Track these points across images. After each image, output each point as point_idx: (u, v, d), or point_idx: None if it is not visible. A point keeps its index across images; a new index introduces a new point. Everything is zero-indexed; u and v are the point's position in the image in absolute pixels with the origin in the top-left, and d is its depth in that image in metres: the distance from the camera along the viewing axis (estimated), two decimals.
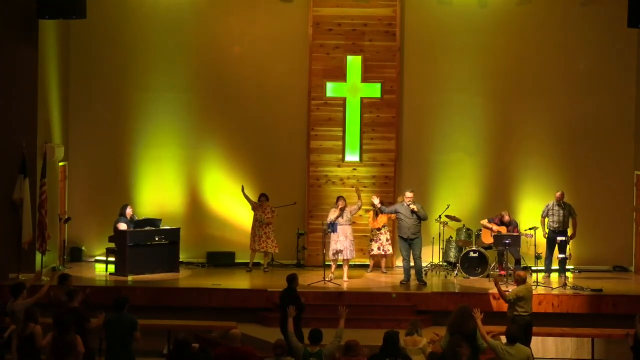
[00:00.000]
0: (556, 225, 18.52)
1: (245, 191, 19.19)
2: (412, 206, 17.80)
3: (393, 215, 18.80)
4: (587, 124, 19.97)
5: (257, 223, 19.04)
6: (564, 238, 18.40)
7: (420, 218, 17.94)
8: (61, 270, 18.52)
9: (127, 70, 20.04)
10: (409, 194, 17.97)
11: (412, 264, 18.05)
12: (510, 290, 17.21)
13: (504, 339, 12.10)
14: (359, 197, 18.36)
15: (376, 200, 18.39)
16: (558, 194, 18.68)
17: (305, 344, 11.57)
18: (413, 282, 18.01)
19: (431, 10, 19.99)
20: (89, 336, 12.52)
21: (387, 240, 19.06)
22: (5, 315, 13.17)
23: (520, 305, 14.19)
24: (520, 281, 14.33)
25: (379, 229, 19.04)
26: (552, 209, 18.60)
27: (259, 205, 19.08)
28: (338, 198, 18.29)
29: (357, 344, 11.15)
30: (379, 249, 19.04)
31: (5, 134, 17.84)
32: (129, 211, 18.61)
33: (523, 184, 19.98)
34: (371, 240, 19.10)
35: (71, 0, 17.59)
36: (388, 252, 19.13)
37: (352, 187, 19.15)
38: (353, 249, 18.21)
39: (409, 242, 17.90)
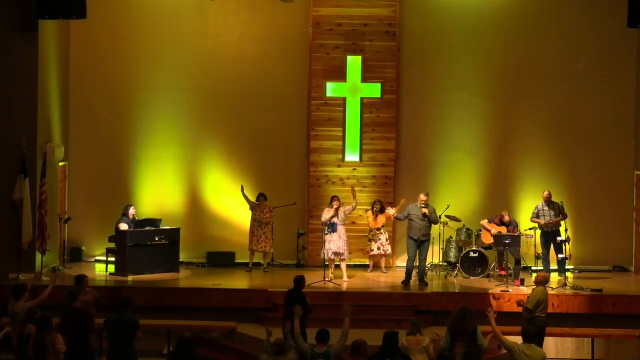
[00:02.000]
0: (547, 226, 18.50)
1: (245, 191, 19.19)
2: (424, 210, 17.81)
3: (391, 216, 18.79)
4: (587, 123, 19.97)
5: (256, 223, 19.03)
6: (562, 238, 18.37)
7: (431, 222, 17.95)
8: (61, 270, 18.56)
9: (127, 70, 20.04)
10: (422, 197, 17.97)
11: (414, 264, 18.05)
12: (508, 289, 17.34)
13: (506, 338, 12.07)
14: (354, 197, 18.36)
15: (392, 211, 18.45)
16: (545, 193, 18.65)
17: (312, 344, 11.53)
18: (414, 282, 17.99)
19: (431, 10, 19.98)
20: (93, 336, 12.55)
21: (386, 240, 19.07)
22: (6, 316, 13.18)
23: (540, 307, 14.24)
24: (540, 283, 14.34)
25: (378, 229, 19.04)
26: (542, 210, 18.56)
27: (257, 205, 19.08)
28: (332, 198, 18.30)
29: (364, 343, 11.13)
30: (378, 248, 19.04)
31: (5, 134, 17.83)
32: (132, 211, 18.61)
33: (523, 184, 19.97)
34: (370, 240, 19.10)
35: (71, 0, 17.58)
36: (387, 252, 19.14)
37: (351, 192, 19.11)
38: (346, 248, 18.22)
39: (418, 244, 17.89)
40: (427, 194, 18.11)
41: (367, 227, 19.24)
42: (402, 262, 19.27)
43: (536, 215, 18.57)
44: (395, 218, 18.62)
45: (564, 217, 18.51)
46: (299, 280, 14.37)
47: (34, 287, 14.11)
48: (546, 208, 18.54)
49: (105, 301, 14.17)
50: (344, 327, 11.64)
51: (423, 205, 17.90)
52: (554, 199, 18.72)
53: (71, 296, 12.78)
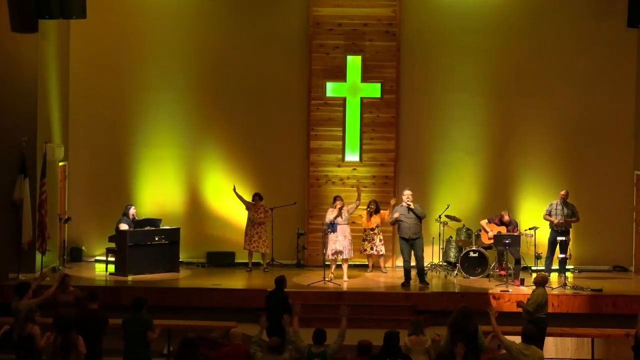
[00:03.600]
0: (558, 225, 18.50)
1: (245, 191, 19.20)
2: (409, 203, 17.75)
3: (386, 216, 18.82)
4: (587, 123, 19.98)
5: (250, 223, 19.05)
6: (564, 238, 18.40)
7: (418, 216, 17.89)
8: (61, 270, 18.55)
9: (127, 70, 20.04)
10: (407, 192, 17.94)
11: (412, 264, 18.02)
12: (508, 289, 17.35)
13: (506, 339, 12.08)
14: (359, 196, 18.37)
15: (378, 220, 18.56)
16: (563, 192, 18.66)
17: (309, 344, 11.56)
18: (414, 282, 17.97)
19: (431, 10, 19.99)
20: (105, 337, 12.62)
21: (380, 240, 19.05)
22: (10, 315, 13.20)
23: (541, 309, 14.21)
24: (540, 284, 14.30)
25: (372, 229, 19.03)
26: (556, 209, 18.57)
27: (253, 205, 19.08)
28: (335, 198, 18.30)
29: (370, 344, 11.14)
30: (372, 249, 19.04)
31: (5, 134, 17.84)
32: (132, 211, 18.61)
33: (523, 184, 19.98)
34: (364, 240, 19.10)
35: (71, 0, 17.59)
36: (380, 253, 19.12)
37: (353, 187, 19.12)
38: (351, 248, 18.22)
39: (411, 243, 17.85)
40: (410, 189, 18.04)
41: (362, 227, 19.22)
42: (402, 262, 19.27)
43: (549, 213, 18.57)
44: (391, 223, 18.48)
45: (577, 219, 18.54)
46: (281, 281, 14.48)
47: (38, 286, 14.12)
48: (560, 207, 18.54)
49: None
50: (341, 328, 11.67)
51: (409, 201, 17.81)
52: (554, 199, 18.74)
53: (90, 297, 12.81)
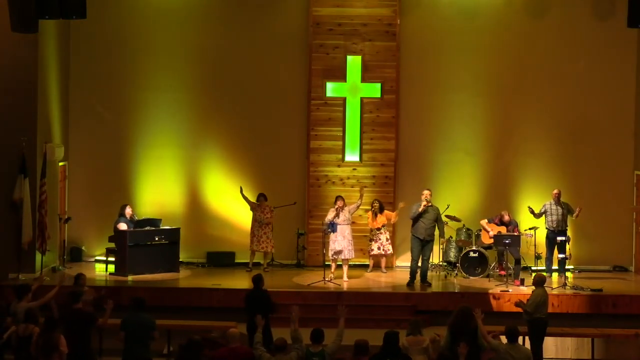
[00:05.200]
0: (555, 225, 18.51)
1: (245, 191, 19.20)
2: (424, 204, 17.70)
3: (393, 217, 18.88)
4: (587, 124, 19.97)
5: (257, 223, 19.04)
6: (563, 238, 18.40)
7: (437, 221, 17.86)
8: (61, 270, 18.58)
9: (127, 70, 20.05)
10: (425, 191, 17.88)
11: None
12: (508, 289, 17.35)
13: (503, 338, 12.10)
14: (361, 197, 18.37)
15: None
16: (555, 191, 18.66)
17: (307, 344, 11.58)
18: (417, 282, 17.97)
19: (431, 10, 19.99)
20: (94, 336, 12.58)
21: (387, 240, 19.06)
22: (8, 315, 13.19)
23: (540, 309, 14.21)
24: (538, 284, 14.30)
25: (378, 229, 19.03)
26: (551, 208, 18.58)
27: (258, 205, 19.08)
28: (337, 198, 18.30)
29: (367, 343, 11.17)
30: (379, 248, 19.04)
31: (5, 134, 17.85)
32: (128, 211, 18.62)
33: (523, 184, 19.98)
34: (371, 240, 19.10)
35: (71, 0, 17.58)
36: (388, 252, 19.13)
37: (360, 190, 19.02)
38: (352, 248, 18.20)
39: (423, 244, 17.83)
40: (428, 189, 18.02)
41: (367, 227, 19.23)
42: (402, 262, 19.30)
43: (542, 213, 18.55)
44: (411, 218, 18.36)
45: (571, 212, 18.51)
46: (258, 280, 14.38)
47: (40, 287, 14.11)
48: (554, 207, 18.54)
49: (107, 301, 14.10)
50: (339, 328, 11.73)
51: (425, 202, 17.77)
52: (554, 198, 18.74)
53: (73, 297, 12.80)
